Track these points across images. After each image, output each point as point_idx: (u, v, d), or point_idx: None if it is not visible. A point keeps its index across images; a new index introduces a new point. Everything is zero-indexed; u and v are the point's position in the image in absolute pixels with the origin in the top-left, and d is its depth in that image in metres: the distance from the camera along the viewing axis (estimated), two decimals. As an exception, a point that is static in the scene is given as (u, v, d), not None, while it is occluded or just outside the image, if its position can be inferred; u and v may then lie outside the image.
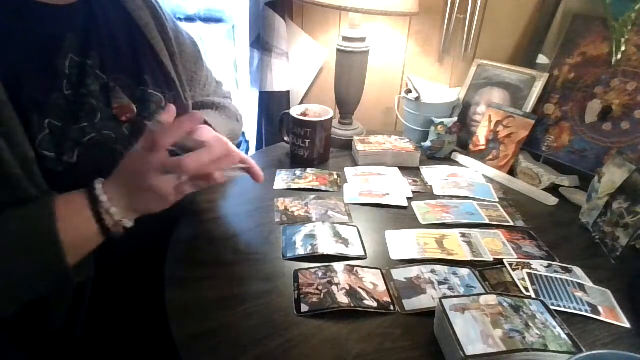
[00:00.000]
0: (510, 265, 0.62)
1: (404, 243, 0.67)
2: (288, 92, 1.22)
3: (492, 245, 0.67)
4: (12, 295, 0.47)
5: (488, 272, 0.61)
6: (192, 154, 0.49)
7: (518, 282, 0.59)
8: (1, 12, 0.51)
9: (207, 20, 1.27)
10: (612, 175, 0.70)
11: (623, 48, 0.81)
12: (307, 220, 0.71)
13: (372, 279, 0.58)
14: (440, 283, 0.58)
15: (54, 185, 0.49)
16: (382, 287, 0.57)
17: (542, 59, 0.97)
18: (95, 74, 0.57)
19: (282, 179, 0.85)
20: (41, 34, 0.53)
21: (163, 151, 0.47)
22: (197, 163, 0.49)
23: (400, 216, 0.75)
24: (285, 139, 0.96)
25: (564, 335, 0.47)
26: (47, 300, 0.52)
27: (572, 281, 0.60)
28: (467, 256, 0.64)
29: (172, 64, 0.68)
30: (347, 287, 0.56)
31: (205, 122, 0.72)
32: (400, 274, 0.60)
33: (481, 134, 0.95)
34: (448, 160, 0.98)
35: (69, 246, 0.46)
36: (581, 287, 0.59)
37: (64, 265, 0.46)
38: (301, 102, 1.25)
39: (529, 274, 0.60)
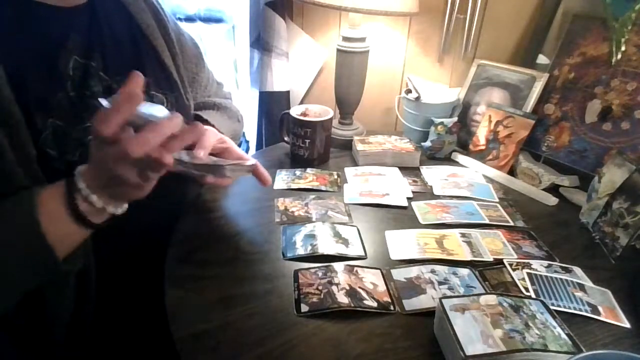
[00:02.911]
0: (510, 265, 0.63)
1: (404, 243, 0.67)
2: (288, 92, 1.22)
3: (492, 245, 0.67)
4: (6, 289, 0.46)
5: (488, 272, 0.61)
6: (137, 136, 0.41)
7: (518, 282, 0.59)
8: (7, 13, 0.51)
9: (207, 20, 1.28)
10: (612, 175, 0.70)
11: (623, 48, 0.81)
12: (307, 220, 0.71)
13: (372, 279, 0.58)
14: (440, 283, 0.58)
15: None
16: (382, 287, 0.57)
17: (542, 59, 0.97)
18: (99, 75, 0.58)
19: (282, 179, 0.85)
20: (45, 35, 0.53)
21: (119, 137, 0.41)
22: (143, 146, 0.41)
23: (400, 216, 0.75)
24: (285, 139, 0.96)
25: (564, 335, 0.47)
26: (45, 300, 0.52)
27: (572, 281, 0.60)
28: (467, 256, 0.64)
29: (174, 65, 0.69)
30: (347, 287, 0.56)
31: (208, 123, 0.72)
32: (400, 274, 0.60)
33: (481, 134, 0.95)
34: (448, 160, 0.98)
35: (54, 233, 0.44)
36: (581, 287, 0.59)
37: (49, 252, 0.45)
38: (301, 102, 1.25)
39: (529, 274, 0.60)
